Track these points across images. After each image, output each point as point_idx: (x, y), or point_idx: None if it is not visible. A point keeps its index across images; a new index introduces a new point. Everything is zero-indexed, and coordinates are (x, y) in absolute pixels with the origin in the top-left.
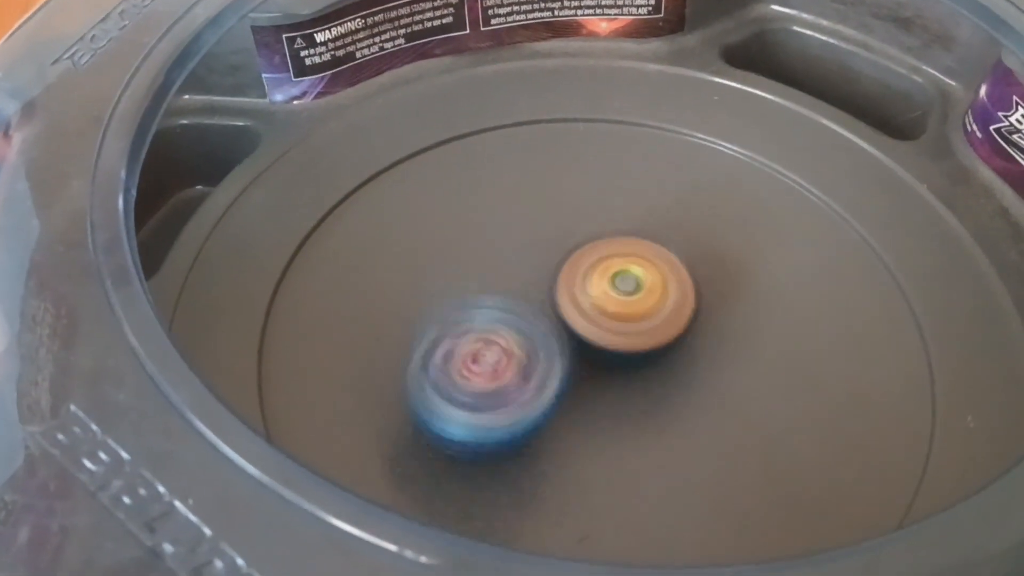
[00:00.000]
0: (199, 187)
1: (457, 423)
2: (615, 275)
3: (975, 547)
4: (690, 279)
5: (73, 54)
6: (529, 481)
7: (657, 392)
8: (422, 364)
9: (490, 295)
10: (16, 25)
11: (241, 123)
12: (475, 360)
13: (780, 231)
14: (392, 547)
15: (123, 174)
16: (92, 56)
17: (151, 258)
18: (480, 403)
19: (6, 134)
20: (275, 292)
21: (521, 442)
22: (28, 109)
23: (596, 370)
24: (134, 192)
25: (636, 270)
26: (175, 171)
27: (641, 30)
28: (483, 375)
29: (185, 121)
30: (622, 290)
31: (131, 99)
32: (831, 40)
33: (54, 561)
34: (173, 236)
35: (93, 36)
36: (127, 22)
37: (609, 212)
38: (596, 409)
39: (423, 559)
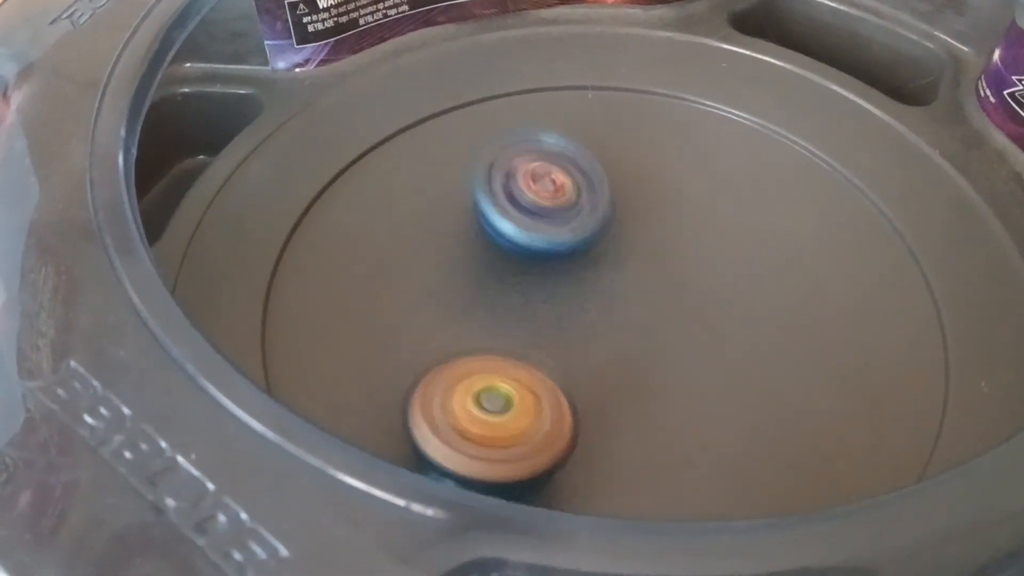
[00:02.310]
0: (201, 156)
1: (518, 226)
2: (480, 392)
3: (996, 502)
4: (566, 402)
5: (72, 13)
6: None
7: (669, 356)
8: (489, 170)
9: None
10: None
11: (243, 91)
12: (535, 178)
13: (791, 197)
14: (399, 502)
15: (123, 132)
16: (91, 15)
17: (152, 228)
18: (538, 213)
19: (4, 95)
20: (278, 260)
21: (568, 253)
22: (26, 69)
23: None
24: (134, 151)
25: (504, 387)
26: (176, 140)
27: None
28: (544, 192)
29: (186, 89)
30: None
31: (130, 58)
32: (840, 6)
33: (56, 517)
34: (174, 206)
35: None
36: None
37: (617, 179)
38: (602, 373)
39: (430, 513)
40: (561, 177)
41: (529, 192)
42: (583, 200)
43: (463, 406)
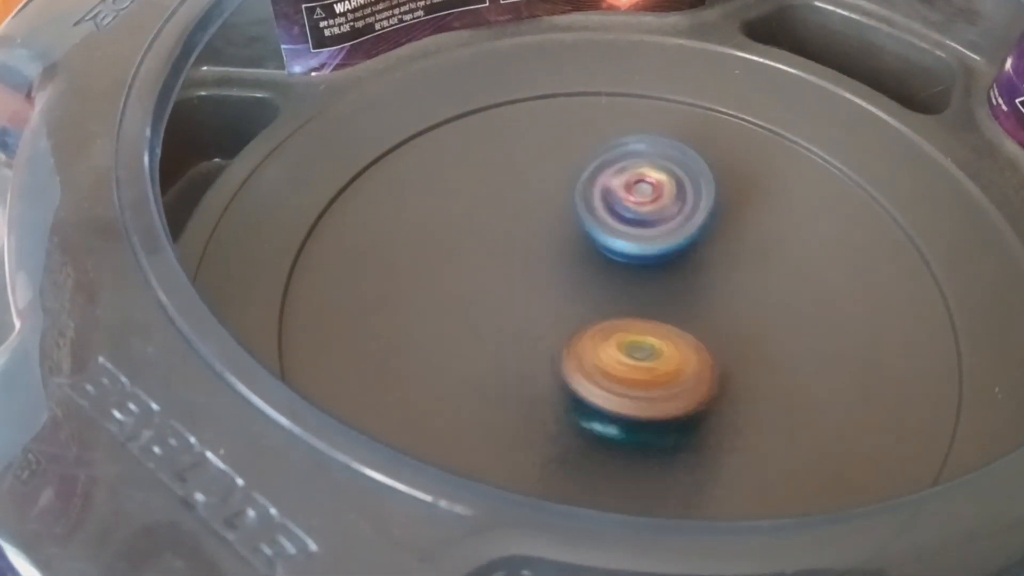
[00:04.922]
0: (216, 160)
1: (624, 238)
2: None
3: (1011, 507)
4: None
5: (96, 15)
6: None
7: None
8: (588, 186)
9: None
10: None
11: (259, 95)
12: (634, 188)
13: (804, 205)
14: (427, 498)
15: (148, 133)
16: (115, 17)
17: (169, 230)
18: (639, 221)
19: (29, 95)
20: (294, 263)
21: (680, 252)
22: (50, 70)
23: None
24: (159, 151)
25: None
26: (192, 143)
27: (662, 4)
28: (643, 201)
29: (203, 93)
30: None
31: (154, 60)
32: (853, 15)
33: (85, 511)
34: (191, 208)
35: None
36: None
37: None
38: None
39: (457, 509)
40: (657, 177)
41: (628, 202)
42: (686, 197)
43: (614, 358)
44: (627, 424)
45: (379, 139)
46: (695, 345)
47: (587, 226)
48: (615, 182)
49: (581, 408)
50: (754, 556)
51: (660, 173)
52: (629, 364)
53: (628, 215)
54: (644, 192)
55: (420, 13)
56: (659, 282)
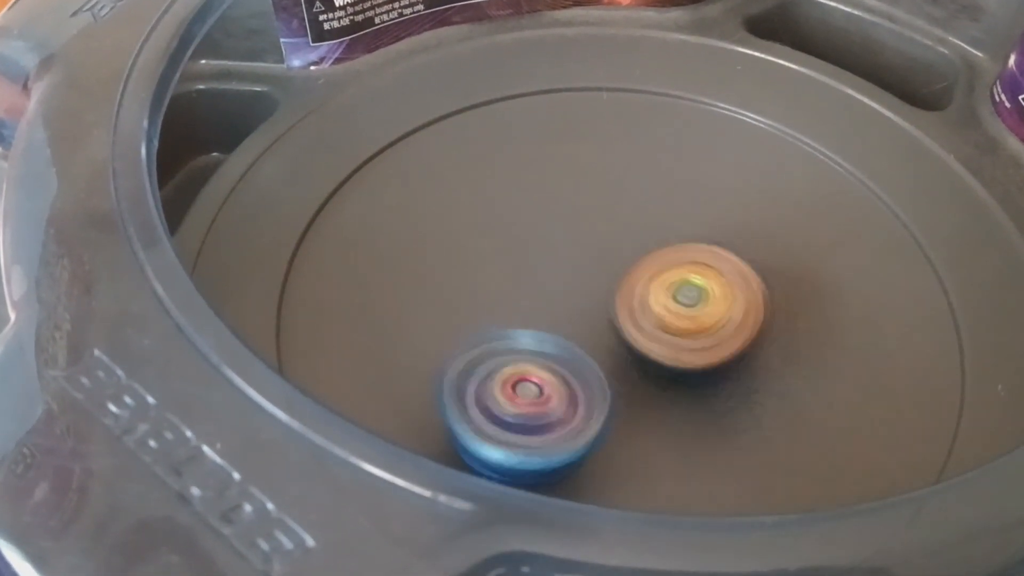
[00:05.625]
0: (215, 154)
1: (496, 444)
2: (677, 286)
3: (1014, 505)
4: (760, 287)
5: (93, 6)
6: None
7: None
8: (460, 381)
9: (529, 331)
10: None
11: (258, 88)
12: (515, 388)
13: (804, 202)
14: (426, 493)
15: (145, 124)
16: (112, 8)
17: (166, 224)
18: (522, 427)
19: (25, 86)
20: (292, 258)
21: (561, 474)
22: (47, 61)
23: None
24: (156, 143)
25: (698, 280)
26: (190, 137)
27: None
28: (525, 403)
29: (201, 86)
30: (684, 303)
31: (152, 51)
32: (855, 11)
33: (80, 505)
34: (188, 203)
35: None
36: None
37: (629, 182)
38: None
39: (457, 505)
40: (544, 377)
41: (510, 403)
42: (578, 403)
43: (661, 303)
44: (672, 371)
45: (378, 134)
46: (749, 283)
47: (465, 439)
48: (490, 384)
49: (629, 351)
50: (756, 553)
51: (544, 372)
52: (675, 311)
53: (512, 421)
54: (529, 393)
55: (420, 7)
56: None
